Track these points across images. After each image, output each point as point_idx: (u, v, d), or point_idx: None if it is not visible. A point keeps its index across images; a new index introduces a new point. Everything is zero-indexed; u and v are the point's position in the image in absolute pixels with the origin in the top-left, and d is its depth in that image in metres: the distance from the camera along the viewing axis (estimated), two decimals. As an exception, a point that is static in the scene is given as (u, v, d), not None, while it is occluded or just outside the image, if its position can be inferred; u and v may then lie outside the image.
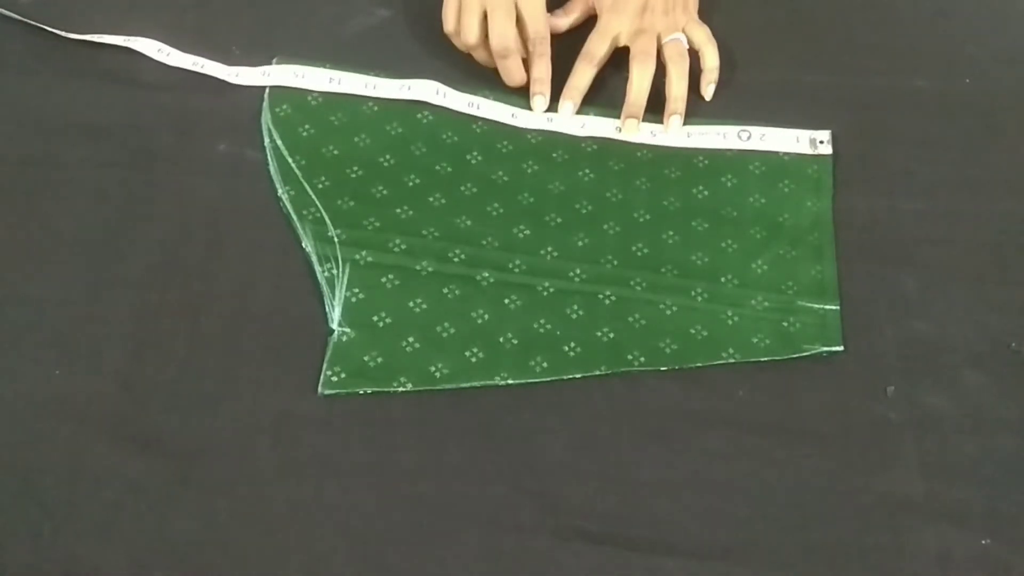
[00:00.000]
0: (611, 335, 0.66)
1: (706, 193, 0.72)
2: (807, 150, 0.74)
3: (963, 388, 0.65)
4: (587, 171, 0.73)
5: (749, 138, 0.75)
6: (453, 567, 0.58)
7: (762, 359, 0.65)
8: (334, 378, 0.63)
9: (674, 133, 0.74)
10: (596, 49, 0.76)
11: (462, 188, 0.71)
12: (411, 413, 0.62)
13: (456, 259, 0.68)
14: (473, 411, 0.63)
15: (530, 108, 0.75)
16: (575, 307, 0.67)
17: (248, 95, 0.74)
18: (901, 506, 0.61)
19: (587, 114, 0.75)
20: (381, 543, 0.58)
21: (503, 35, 0.73)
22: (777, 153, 0.74)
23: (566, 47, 0.77)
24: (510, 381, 0.63)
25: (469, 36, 0.74)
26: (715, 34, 0.78)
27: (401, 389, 0.63)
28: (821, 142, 0.75)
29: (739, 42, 0.79)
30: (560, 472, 0.61)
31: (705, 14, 0.79)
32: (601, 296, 0.67)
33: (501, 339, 0.65)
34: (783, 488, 0.61)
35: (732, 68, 0.78)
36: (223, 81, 0.75)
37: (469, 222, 0.70)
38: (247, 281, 0.66)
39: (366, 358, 0.64)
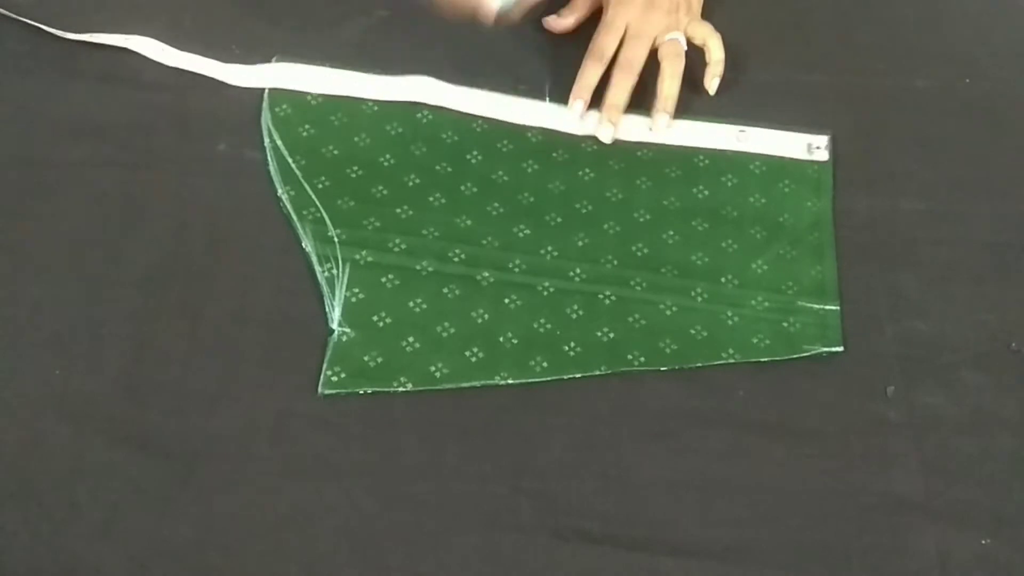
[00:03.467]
0: (611, 335, 0.66)
1: (706, 193, 0.72)
2: (803, 155, 0.74)
3: (963, 388, 0.65)
4: (587, 171, 0.73)
5: (747, 138, 0.75)
6: (453, 567, 0.58)
7: (762, 359, 0.65)
8: (334, 378, 0.63)
9: (661, 130, 0.74)
10: (605, 44, 0.75)
11: (462, 188, 0.71)
12: (411, 413, 0.62)
13: (456, 259, 0.68)
14: (473, 411, 0.63)
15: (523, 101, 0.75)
16: (575, 307, 0.67)
17: (248, 95, 0.74)
18: (901, 506, 0.61)
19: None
20: (381, 543, 0.58)
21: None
22: (774, 156, 0.74)
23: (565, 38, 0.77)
24: (510, 381, 0.63)
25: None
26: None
27: (401, 389, 0.63)
28: (817, 147, 0.75)
29: (739, 42, 0.79)
30: (560, 472, 0.61)
31: (706, 14, 0.79)
32: (601, 296, 0.67)
33: (501, 339, 0.65)
34: (783, 488, 0.61)
35: (732, 68, 0.78)
36: (223, 81, 0.75)
37: (469, 222, 0.70)
38: (247, 281, 0.66)
39: (366, 358, 0.64)
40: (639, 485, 0.61)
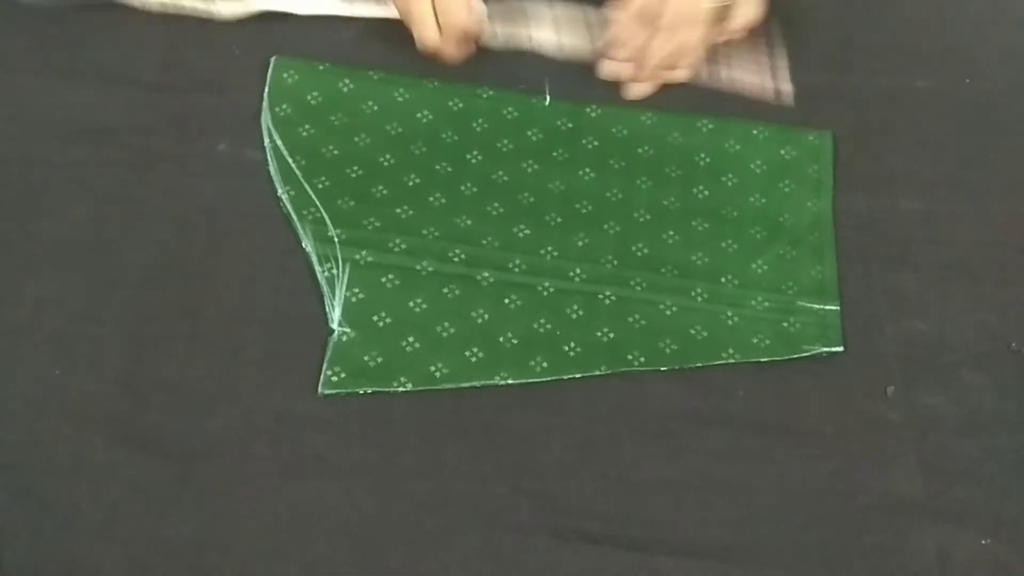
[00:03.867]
0: (611, 335, 0.66)
1: (706, 193, 0.72)
2: (770, 97, 0.76)
3: (963, 388, 0.65)
4: (587, 170, 0.73)
5: (718, 77, 0.76)
6: (453, 567, 0.58)
7: (762, 359, 0.65)
8: (334, 378, 0.63)
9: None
10: None
11: (462, 188, 0.71)
12: (411, 413, 0.63)
13: (456, 259, 0.68)
14: (473, 411, 0.63)
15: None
16: (575, 307, 0.67)
17: (248, 95, 0.74)
18: (901, 506, 0.61)
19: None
20: (381, 543, 0.58)
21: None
22: (741, 93, 0.75)
23: None
24: (510, 381, 0.63)
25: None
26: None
27: (401, 389, 0.63)
28: (785, 90, 0.76)
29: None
30: (560, 472, 0.61)
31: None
32: (601, 296, 0.67)
33: (501, 339, 0.65)
34: (783, 488, 0.61)
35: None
36: (223, 81, 0.75)
37: (469, 222, 0.70)
38: (247, 281, 0.66)
39: (366, 358, 0.64)
40: (639, 485, 0.61)
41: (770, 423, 0.63)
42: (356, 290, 0.66)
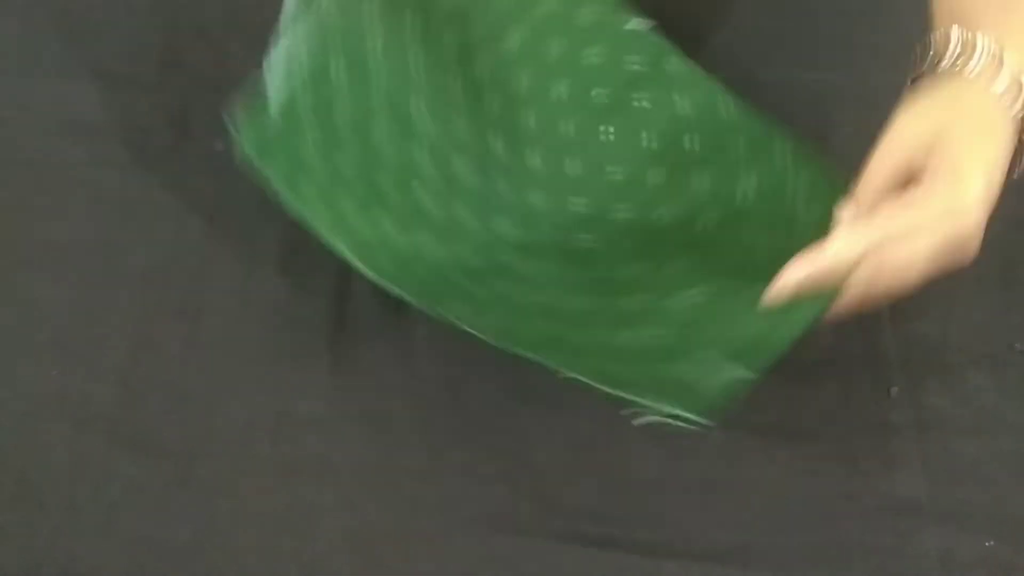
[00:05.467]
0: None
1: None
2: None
3: (966, 389, 0.65)
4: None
5: None
6: (453, 568, 0.58)
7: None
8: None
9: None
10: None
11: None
12: (411, 413, 0.62)
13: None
14: (473, 411, 0.63)
15: None
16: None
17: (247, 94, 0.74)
18: (904, 507, 0.61)
19: None
20: (380, 543, 0.58)
21: None
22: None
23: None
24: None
25: None
26: (717, 33, 0.78)
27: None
28: None
29: (740, 41, 0.79)
30: (560, 473, 0.61)
31: (707, 14, 0.79)
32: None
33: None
34: (784, 489, 0.61)
35: (732, 67, 0.78)
36: (223, 81, 0.75)
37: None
38: (246, 281, 0.66)
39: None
40: (639, 486, 0.61)
41: (771, 424, 0.63)
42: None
